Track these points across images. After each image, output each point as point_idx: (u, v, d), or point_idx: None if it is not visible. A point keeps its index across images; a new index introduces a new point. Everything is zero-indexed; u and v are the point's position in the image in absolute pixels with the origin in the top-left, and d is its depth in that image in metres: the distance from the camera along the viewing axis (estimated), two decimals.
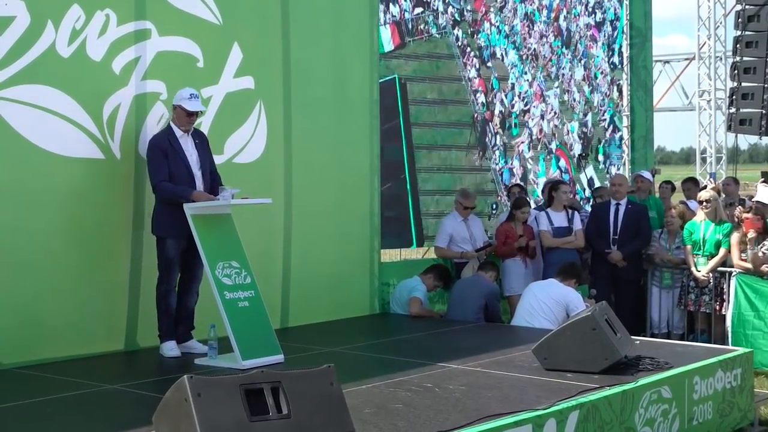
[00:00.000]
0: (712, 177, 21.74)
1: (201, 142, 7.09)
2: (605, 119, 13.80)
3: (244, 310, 6.65)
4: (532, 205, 10.82)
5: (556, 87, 13.02)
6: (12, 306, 6.52)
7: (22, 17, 6.56)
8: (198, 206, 6.71)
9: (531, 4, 12.60)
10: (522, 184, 11.56)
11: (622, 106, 14.06)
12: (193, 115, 6.93)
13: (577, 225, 9.99)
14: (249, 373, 4.30)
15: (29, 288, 6.62)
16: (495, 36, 12.12)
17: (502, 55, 12.23)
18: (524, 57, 12.55)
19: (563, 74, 13.16)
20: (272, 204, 7.63)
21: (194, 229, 6.64)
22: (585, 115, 13.50)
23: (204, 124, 7.62)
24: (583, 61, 13.44)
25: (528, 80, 12.59)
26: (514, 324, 8.44)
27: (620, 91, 13.99)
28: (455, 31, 11.53)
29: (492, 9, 12.06)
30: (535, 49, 12.71)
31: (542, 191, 11.35)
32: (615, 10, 14.01)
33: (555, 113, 13.02)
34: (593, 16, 13.63)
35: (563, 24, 13.16)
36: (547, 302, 8.12)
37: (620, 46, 14.04)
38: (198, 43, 7.65)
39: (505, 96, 12.13)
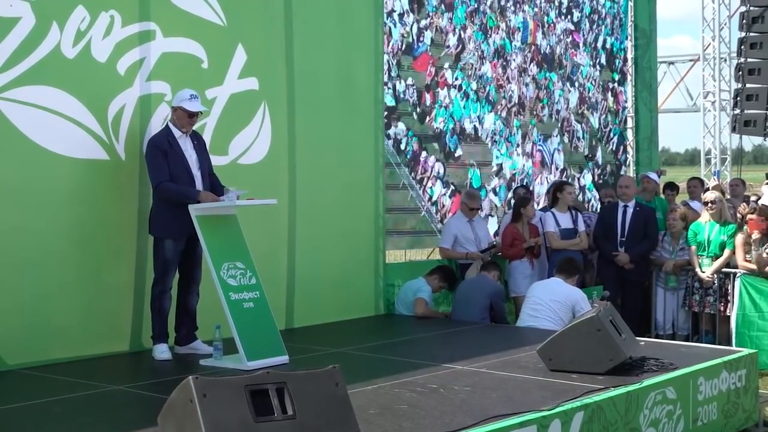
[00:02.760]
0: (715, 175, 21.72)
1: (199, 143, 7.07)
2: (614, 141, 12.62)
3: (249, 311, 6.66)
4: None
5: (556, 135, 11.30)
6: (17, 306, 6.53)
7: (27, 18, 6.57)
8: (203, 207, 6.70)
9: (497, 33, 10.26)
10: (527, 185, 11.51)
11: (622, 110, 13.48)
12: (194, 116, 6.91)
13: (581, 226, 9.97)
14: (254, 374, 4.30)
15: (34, 288, 6.62)
16: (458, 103, 9.46)
17: (474, 127, 9.64)
18: (505, 115, 10.24)
19: (558, 110, 11.36)
20: (277, 205, 7.63)
21: (199, 230, 6.63)
22: (593, 154, 12.02)
23: (208, 125, 7.63)
24: (573, 80, 11.97)
25: (518, 146, 10.16)
26: (519, 325, 8.43)
27: (615, 95, 13.31)
28: (392, 130, 9.21)
29: (446, 62, 9.56)
30: (519, 95, 10.49)
31: (547, 192, 11.30)
32: (589, 2, 12.46)
33: (562, 171, 11.16)
34: (569, 17, 12.01)
35: (543, 43, 11.16)
36: (551, 303, 8.08)
37: (604, 42, 13.00)
38: (202, 44, 7.66)
39: (496, 194, 10.11)
